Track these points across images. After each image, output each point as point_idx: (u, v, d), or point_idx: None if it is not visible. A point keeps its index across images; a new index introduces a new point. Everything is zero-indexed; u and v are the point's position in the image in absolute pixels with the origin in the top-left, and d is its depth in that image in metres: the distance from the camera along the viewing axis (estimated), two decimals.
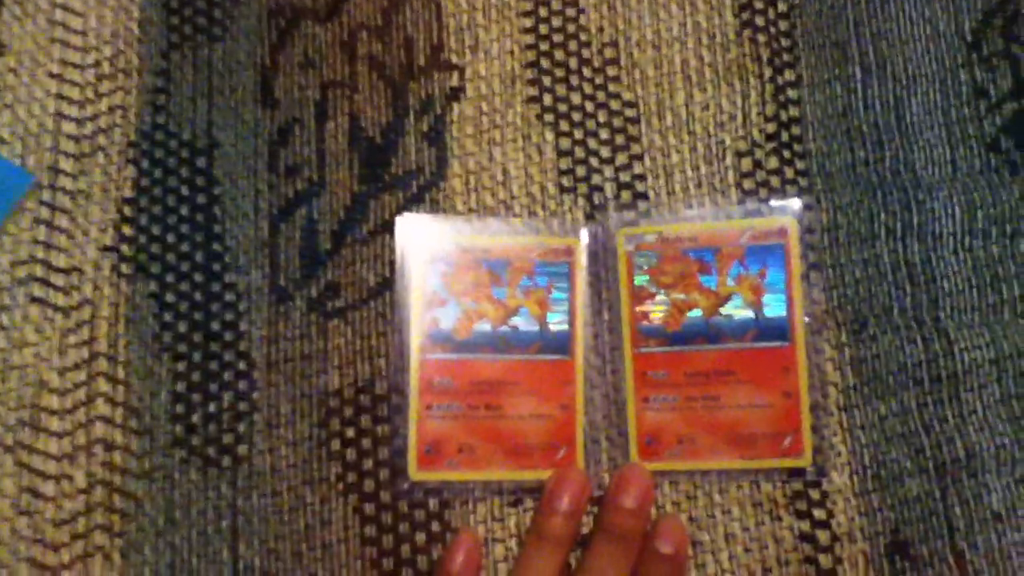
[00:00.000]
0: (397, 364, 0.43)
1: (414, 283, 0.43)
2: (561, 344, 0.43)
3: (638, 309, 0.43)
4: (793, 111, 0.47)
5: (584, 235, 0.44)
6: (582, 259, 0.44)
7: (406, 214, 0.45)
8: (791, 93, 0.47)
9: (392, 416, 0.43)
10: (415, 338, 0.43)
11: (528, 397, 0.42)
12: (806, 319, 0.43)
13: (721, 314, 0.43)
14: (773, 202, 0.44)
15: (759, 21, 0.48)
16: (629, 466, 0.42)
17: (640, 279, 0.44)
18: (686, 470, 0.42)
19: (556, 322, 0.43)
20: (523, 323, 0.43)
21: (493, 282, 0.43)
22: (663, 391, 0.43)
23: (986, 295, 0.44)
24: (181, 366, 0.43)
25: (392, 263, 0.45)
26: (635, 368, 0.43)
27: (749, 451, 0.42)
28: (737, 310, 0.43)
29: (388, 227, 0.45)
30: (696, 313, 0.43)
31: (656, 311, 0.43)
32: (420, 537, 0.42)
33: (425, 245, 0.44)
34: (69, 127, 0.45)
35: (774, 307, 0.43)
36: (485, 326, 0.43)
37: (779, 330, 0.42)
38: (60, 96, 0.46)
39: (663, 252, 0.44)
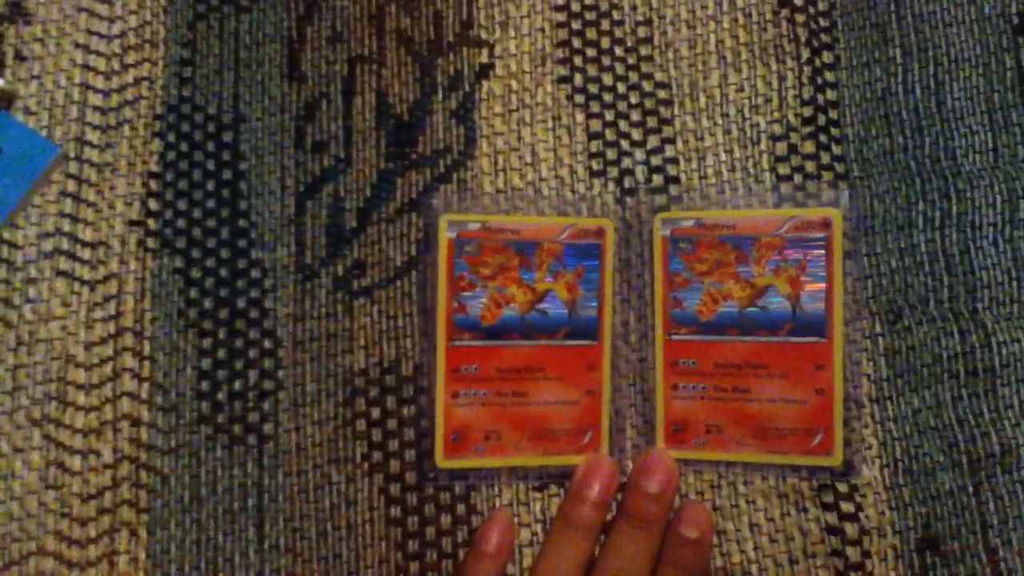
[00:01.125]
0: (422, 347, 0.43)
1: (441, 266, 0.43)
2: (589, 329, 0.42)
3: (672, 296, 0.43)
4: (831, 94, 0.46)
5: (614, 217, 0.44)
6: (613, 241, 0.43)
7: (436, 193, 0.44)
8: (828, 76, 0.46)
9: (417, 399, 0.43)
10: (440, 324, 0.42)
11: (554, 383, 0.42)
12: (845, 316, 0.42)
13: (757, 305, 0.42)
14: (822, 192, 0.43)
15: (797, 1, 0.46)
16: (653, 451, 0.41)
17: (676, 265, 0.43)
18: (711, 460, 0.42)
19: (585, 307, 0.43)
20: (551, 307, 0.43)
21: (522, 265, 0.43)
22: (692, 379, 0.42)
23: None
24: (207, 343, 0.43)
25: (419, 242, 0.44)
26: (665, 355, 0.42)
27: (777, 446, 0.41)
28: (773, 302, 0.42)
29: (415, 205, 0.45)
30: (731, 303, 0.42)
31: (690, 299, 0.42)
32: (445, 519, 0.42)
33: (453, 226, 0.43)
34: (95, 98, 0.45)
35: (812, 301, 0.42)
36: (512, 311, 0.42)
37: (816, 325, 0.42)
38: (86, 67, 0.45)
39: (700, 238, 0.43)
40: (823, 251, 0.42)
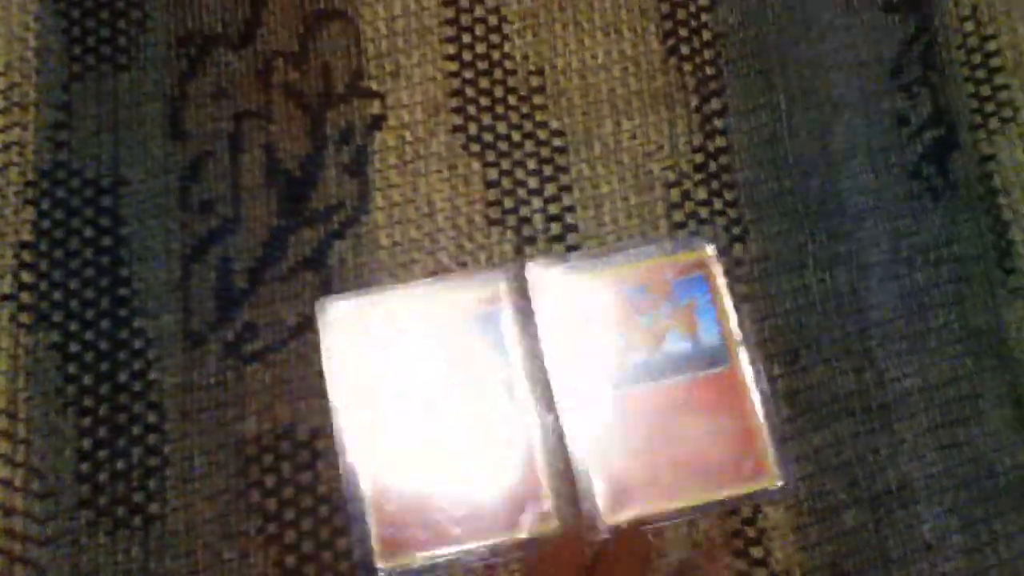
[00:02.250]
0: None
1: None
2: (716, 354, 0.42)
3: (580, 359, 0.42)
4: (720, 140, 0.46)
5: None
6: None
7: (327, 301, 0.42)
8: (718, 123, 0.46)
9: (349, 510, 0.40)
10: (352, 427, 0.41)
11: (480, 462, 0.41)
12: (738, 339, 0.42)
13: (661, 350, 0.42)
14: (702, 230, 0.44)
15: (684, 49, 0.47)
16: (629, 530, 0.41)
17: (579, 327, 0.42)
18: (657, 514, 0.41)
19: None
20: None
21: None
22: (619, 438, 0.41)
23: (913, 323, 0.45)
24: (87, 421, 0.41)
25: (313, 300, 0.43)
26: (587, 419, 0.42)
27: (713, 482, 0.41)
28: (675, 344, 0.42)
29: (308, 264, 0.43)
30: (638, 353, 0.42)
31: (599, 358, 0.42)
32: None
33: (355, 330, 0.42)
34: None
35: (708, 334, 0.42)
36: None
37: (716, 355, 0.42)
38: None
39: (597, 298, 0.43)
40: (707, 286, 0.43)
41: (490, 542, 0.40)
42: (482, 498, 0.40)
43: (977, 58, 0.47)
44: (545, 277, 0.43)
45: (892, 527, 0.42)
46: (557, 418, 0.42)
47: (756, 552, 0.41)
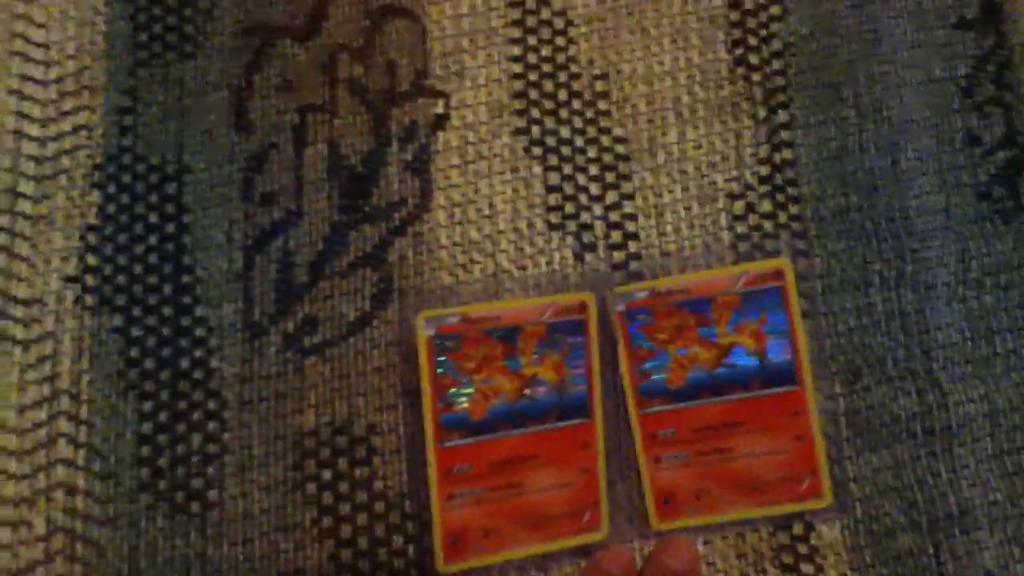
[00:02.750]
0: (410, 452, 0.41)
1: (422, 367, 0.41)
2: (579, 407, 0.41)
3: (638, 369, 0.42)
4: (787, 153, 0.46)
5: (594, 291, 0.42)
6: (595, 315, 0.42)
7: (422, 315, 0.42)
8: (784, 135, 0.46)
9: (404, 502, 0.41)
10: (428, 426, 0.40)
11: (550, 467, 0.41)
12: (810, 359, 0.42)
13: (724, 364, 0.42)
14: (766, 243, 0.43)
15: (752, 59, 0.47)
16: (678, 537, 0.40)
17: (637, 338, 0.42)
18: (705, 524, 0.41)
19: (573, 385, 0.41)
20: (539, 391, 0.41)
21: (506, 352, 0.41)
22: (673, 449, 0.41)
23: (979, 347, 0.44)
24: (148, 405, 0.41)
25: (373, 296, 0.43)
26: (643, 429, 0.41)
27: (767, 498, 0.41)
28: (740, 359, 0.42)
29: (368, 260, 0.43)
30: (699, 367, 0.42)
31: (657, 369, 0.42)
32: None
33: (430, 323, 0.41)
34: (30, 147, 0.43)
35: (777, 352, 0.42)
36: (500, 401, 0.41)
37: (785, 374, 0.42)
38: (20, 114, 0.43)
39: (656, 308, 0.42)
40: (780, 300, 0.42)
41: (544, 548, 0.40)
42: (541, 506, 0.40)
43: None
44: (601, 292, 0.43)
45: (951, 552, 0.41)
46: (618, 428, 0.42)
47: (807, 568, 0.41)
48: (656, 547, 0.40)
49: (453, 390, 0.41)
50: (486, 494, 0.40)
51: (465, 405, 0.41)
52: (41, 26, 0.44)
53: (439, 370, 0.41)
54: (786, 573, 0.41)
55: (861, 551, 0.41)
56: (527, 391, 0.41)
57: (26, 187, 0.42)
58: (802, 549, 0.41)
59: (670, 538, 0.40)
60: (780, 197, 0.45)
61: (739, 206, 0.45)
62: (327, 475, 0.41)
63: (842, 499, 0.41)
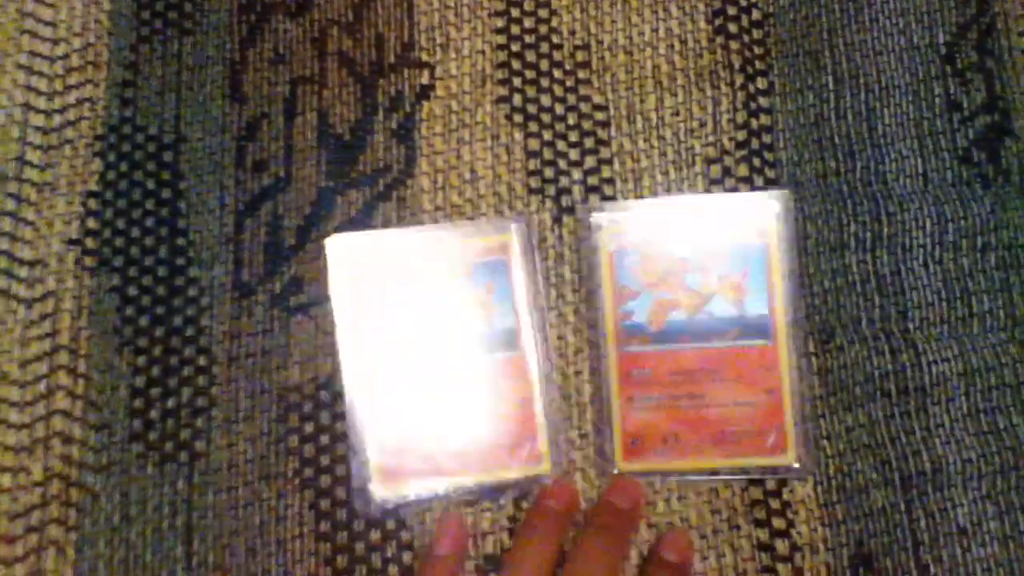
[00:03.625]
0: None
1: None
2: (509, 340, 0.43)
3: (621, 308, 0.43)
4: (764, 119, 0.46)
5: (515, 230, 0.44)
6: (516, 253, 0.43)
7: (334, 236, 0.44)
8: (762, 101, 0.47)
9: (350, 440, 0.42)
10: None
11: (485, 396, 0.42)
12: (787, 318, 0.42)
13: (704, 312, 0.42)
14: (754, 200, 0.44)
15: (732, 28, 0.47)
16: (625, 478, 0.42)
17: (623, 278, 0.43)
18: (671, 470, 0.42)
19: (500, 320, 0.43)
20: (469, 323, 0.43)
21: (431, 287, 0.43)
22: (648, 390, 0.42)
23: (955, 308, 0.44)
24: (141, 360, 0.43)
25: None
26: (619, 367, 0.43)
27: (734, 449, 0.41)
28: (720, 309, 0.42)
29: (354, 223, 0.45)
30: (680, 312, 0.43)
31: (639, 310, 0.43)
32: (375, 534, 0.41)
33: (358, 263, 0.43)
34: (37, 119, 0.45)
35: (756, 306, 0.42)
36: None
37: (761, 328, 0.42)
38: (28, 87, 0.46)
39: (646, 251, 0.43)
40: (763, 257, 0.43)
41: (482, 478, 0.41)
42: (478, 436, 0.42)
43: None
44: (590, 229, 0.44)
45: (924, 509, 0.41)
46: (570, 368, 0.43)
47: (778, 524, 0.41)
48: (607, 489, 0.41)
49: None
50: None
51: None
52: (50, 6, 0.47)
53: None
54: (759, 528, 0.42)
55: (833, 507, 0.42)
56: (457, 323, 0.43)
57: (32, 156, 0.45)
58: (774, 504, 0.42)
59: (619, 479, 0.41)
60: (756, 161, 0.46)
61: (716, 170, 0.46)
62: (309, 428, 0.43)
63: (807, 457, 0.41)
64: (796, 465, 0.41)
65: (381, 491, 0.41)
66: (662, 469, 0.42)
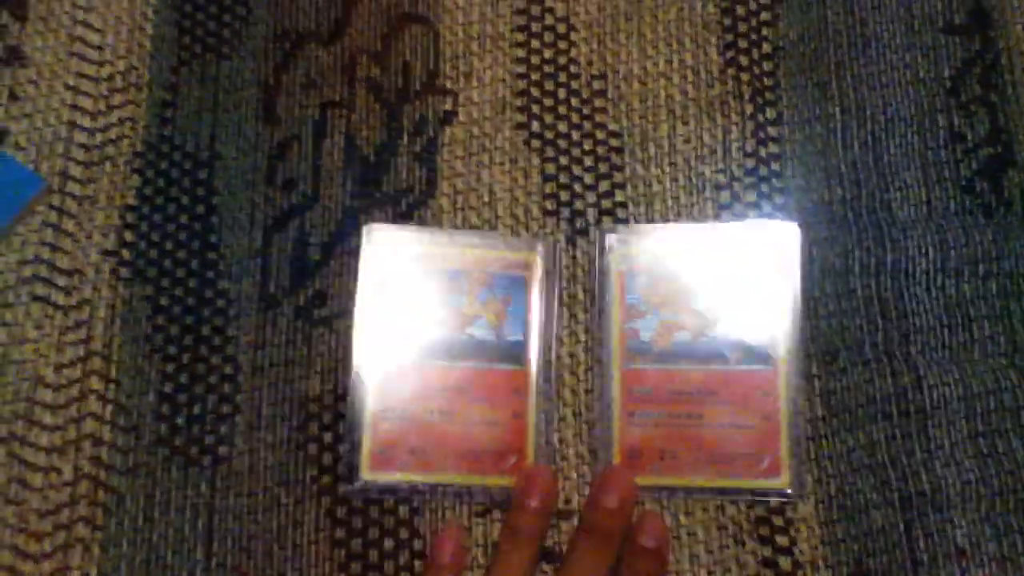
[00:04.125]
0: (350, 372, 0.44)
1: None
2: (516, 355, 0.44)
3: (628, 326, 0.45)
4: (773, 147, 0.48)
5: (540, 249, 0.46)
6: (539, 272, 0.45)
7: (373, 224, 0.46)
8: (771, 131, 0.48)
9: (349, 416, 0.44)
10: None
11: (480, 404, 0.44)
12: (787, 345, 0.44)
13: (708, 335, 0.44)
14: (764, 229, 0.46)
15: (743, 60, 0.49)
16: (613, 468, 0.43)
17: (632, 298, 0.45)
18: (666, 486, 0.43)
19: (510, 333, 0.45)
20: (480, 332, 0.45)
21: (451, 290, 0.45)
22: (648, 407, 0.44)
23: (957, 333, 0.45)
24: (170, 367, 0.45)
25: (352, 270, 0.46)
26: (622, 383, 0.44)
27: (728, 469, 0.43)
28: (723, 332, 0.44)
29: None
30: (684, 333, 0.44)
31: (646, 329, 0.44)
32: (388, 543, 0.43)
33: (390, 253, 0.46)
34: (81, 136, 0.48)
35: (758, 332, 0.44)
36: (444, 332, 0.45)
37: (761, 354, 0.44)
38: (74, 107, 0.48)
39: (655, 272, 0.45)
40: (765, 287, 0.44)
41: (468, 480, 0.43)
42: (468, 441, 0.43)
43: None
44: (604, 251, 0.46)
45: (922, 530, 0.42)
46: (579, 385, 0.45)
47: (781, 541, 0.43)
48: (595, 485, 0.42)
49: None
50: (418, 415, 0.44)
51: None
52: (98, 31, 0.50)
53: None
54: (763, 545, 0.43)
55: (833, 526, 0.43)
56: (467, 329, 0.45)
57: (75, 171, 0.47)
58: (778, 522, 0.43)
59: (606, 472, 0.42)
60: (765, 188, 0.47)
61: (725, 196, 0.47)
62: (328, 437, 0.44)
63: (800, 483, 0.42)
64: (789, 490, 0.42)
65: (368, 475, 0.43)
66: (658, 484, 0.43)
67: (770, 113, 0.49)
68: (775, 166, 0.48)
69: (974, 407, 0.44)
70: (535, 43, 0.50)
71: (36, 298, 0.45)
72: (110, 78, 0.49)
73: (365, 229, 0.46)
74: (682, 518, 0.43)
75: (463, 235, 0.46)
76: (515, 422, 0.44)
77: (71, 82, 0.49)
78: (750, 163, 0.48)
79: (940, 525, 0.42)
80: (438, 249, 0.46)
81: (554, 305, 0.45)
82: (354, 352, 0.44)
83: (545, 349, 0.45)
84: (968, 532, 0.42)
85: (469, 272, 0.45)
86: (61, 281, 0.46)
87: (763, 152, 0.48)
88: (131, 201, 0.47)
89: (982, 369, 0.44)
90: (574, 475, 0.44)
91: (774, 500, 0.43)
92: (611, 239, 0.46)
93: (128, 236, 0.47)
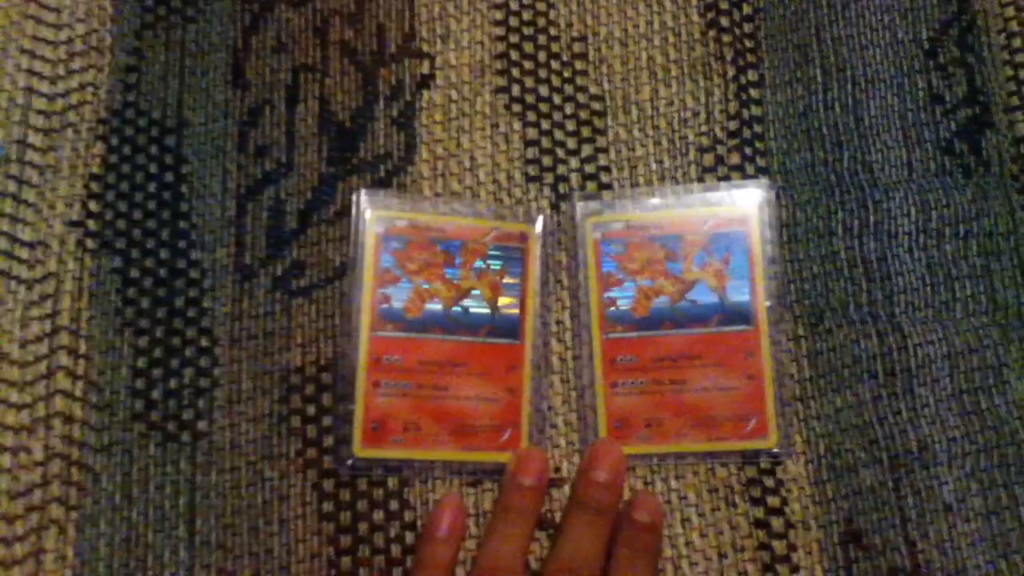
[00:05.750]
0: (347, 340, 0.43)
1: (368, 259, 0.43)
2: (510, 328, 0.44)
3: (606, 296, 0.44)
4: (755, 109, 0.48)
5: (539, 222, 0.45)
6: (536, 245, 0.44)
7: (365, 190, 0.45)
8: (753, 92, 0.48)
9: (335, 387, 0.43)
10: (365, 314, 0.43)
11: (475, 379, 0.43)
12: (768, 304, 0.43)
13: (687, 299, 0.44)
14: (735, 191, 0.45)
15: (724, 22, 0.49)
16: (601, 441, 0.42)
17: (608, 266, 0.44)
18: (654, 453, 0.43)
19: (507, 307, 0.44)
20: (474, 305, 0.44)
21: (446, 262, 0.44)
22: (631, 376, 0.43)
23: (939, 292, 0.45)
24: (143, 341, 0.43)
25: (350, 241, 0.45)
26: (603, 354, 0.43)
27: (715, 433, 0.43)
28: (702, 295, 0.43)
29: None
30: (663, 299, 0.44)
31: (623, 297, 0.44)
32: (378, 515, 0.42)
33: (381, 221, 0.44)
34: (39, 102, 0.46)
35: (738, 292, 0.44)
36: (436, 306, 0.43)
37: (743, 315, 0.43)
38: (31, 72, 0.46)
39: (630, 239, 0.44)
40: (745, 244, 0.44)
41: (460, 456, 0.42)
42: (462, 415, 0.43)
43: (1017, 42, 0.48)
44: (579, 220, 0.45)
45: (911, 487, 0.43)
46: (566, 352, 0.44)
47: (773, 501, 0.43)
48: (584, 458, 0.42)
49: (392, 287, 0.43)
50: (412, 390, 0.43)
51: (402, 303, 0.43)
52: None
53: (382, 265, 0.43)
54: (755, 506, 0.43)
55: (823, 486, 0.43)
56: (463, 302, 0.44)
57: (35, 139, 0.45)
58: (768, 483, 0.43)
59: (595, 445, 0.42)
60: (748, 150, 0.47)
61: (709, 159, 0.47)
62: (311, 410, 0.43)
63: (787, 442, 0.43)
64: (776, 450, 0.42)
65: (361, 452, 0.42)
66: (645, 452, 0.43)
67: (752, 75, 0.48)
68: (757, 128, 0.48)
69: (957, 365, 0.44)
70: (513, 4, 0.49)
71: None
72: (69, 41, 0.47)
73: (356, 195, 0.44)
74: (672, 482, 0.43)
75: (458, 204, 0.45)
76: (510, 397, 0.43)
77: (27, 45, 0.46)
78: (733, 125, 0.47)
79: (928, 482, 0.43)
80: (431, 218, 0.44)
81: (549, 280, 0.45)
82: (343, 325, 0.43)
83: (541, 324, 0.44)
84: (954, 488, 0.43)
85: (464, 243, 0.44)
86: (24, 254, 0.44)
87: (745, 114, 0.48)
88: (96, 170, 0.45)
89: (964, 327, 0.45)
90: (563, 443, 0.44)
91: (764, 461, 0.43)
92: (584, 207, 0.45)
93: (94, 206, 0.45)
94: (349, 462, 0.42)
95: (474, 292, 0.44)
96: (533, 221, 0.45)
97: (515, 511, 0.40)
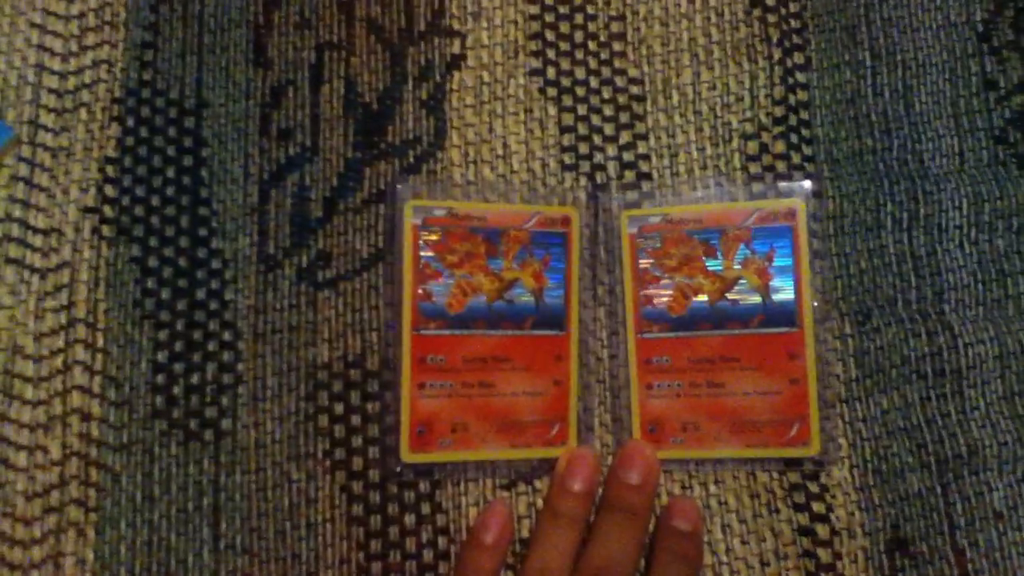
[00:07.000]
0: (387, 338, 0.42)
1: (406, 253, 0.41)
2: (557, 318, 0.42)
3: (642, 293, 0.42)
4: (801, 94, 0.46)
5: (582, 202, 0.43)
6: (578, 228, 0.43)
7: (399, 178, 0.43)
8: (800, 76, 0.46)
9: (383, 393, 0.41)
10: (407, 313, 0.41)
11: (521, 373, 0.41)
12: (814, 304, 0.42)
13: (727, 298, 0.42)
14: (781, 184, 0.43)
15: (769, 1, 0.46)
16: (633, 442, 0.41)
17: (644, 262, 0.42)
18: (689, 458, 0.41)
19: (552, 296, 0.42)
20: (518, 296, 0.42)
21: (488, 252, 0.42)
22: (666, 377, 0.41)
23: (991, 290, 0.44)
24: (163, 335, 0.41)
25: (386, 233, 0.43)
26: (638, 354, 0.42)
27: (754, 439, 0.41)
28: (743, 294, 0.42)
29: (382, 196, 0.44)
30: (701, 297, 0.42)
31: (660, 295, 0.42)
32: (409, 518, 0.41)
33: (418, 211, 0.42)
34: (51, 81, 0.43)
35: (782, 291, 0.42)
36: (479, 300, 0.41)
37: (787, 315, 0.41)
38: (42, 47, 0.43)
39: (667, 234, 0.42)
40: (790, 240, 0.42)
41: (509, 454, 0.41)
42: (509, 411, 0.41)
43: None
44: (614, 214, 0.43)
45: (959, 493, 0.41)
46: (603, 351, 0.42)
47: (817, 507, 0.41)
48: (616, 460, 0.40)
49: (433, 282, 0.41)
50: (457, 388, 0.41)
51: (445, 298, 0.41)
52: None
53: (422, 260, 0.41)
54: (798, 512, 0.41)
55: (869, 491, 0.41)
56: (506, 294, 0.42)
57: (47, 119, 0.43)
58: (812, 488, 0.41)
59: (626, 446, 0.40)
60: (794, 138, 0.45)
61: (753, 146, 0.45)
62: (339, 408, 0.41)
63: (831, 449, 0.41)
64: (819, 458, 0.41)
65: (408, 458, 0.40)
66: (681, 457, 0.41)
67: (798, 57, 0.46)
68: (804, 114, 0.45)
69: (1009, 366, 0.43)
70: None
71: (9, 260, 0.41)
72: (81, 15, 0.44)
73: (390, 184, 0.42)
74: (711, 486, 0.42)
75: (494, 190, 0.43)
76: (557, 389, 0.41)
77: (37, 20, 0.44)
78: (778, 111, 0.45)
79: (977, 488, 0.41)
80: (470, 206, 0.42)
81: (584, 272, 0.43)
82: (376, 322, 0.41)
83: (590, 319, 0.42)
84: (1005, 495, 0.41)
85: (506, 231, 0.42)
86: (37, 241, 0.42)
87: (792, 99, 0.45)
88: (111, 152, 0.43)
89: (1017, 327, 0.43)
90: (598, 444, 0.42)
91: (807, 467, 0.41)
92: (620, 199, 0.43)
93: (109, 191, 0.43)
94: (397, 469, 0.40)
95: (518, 282, 0.42)
96: (576, 203, 0.43)
97: (565, 517, 0.39)
